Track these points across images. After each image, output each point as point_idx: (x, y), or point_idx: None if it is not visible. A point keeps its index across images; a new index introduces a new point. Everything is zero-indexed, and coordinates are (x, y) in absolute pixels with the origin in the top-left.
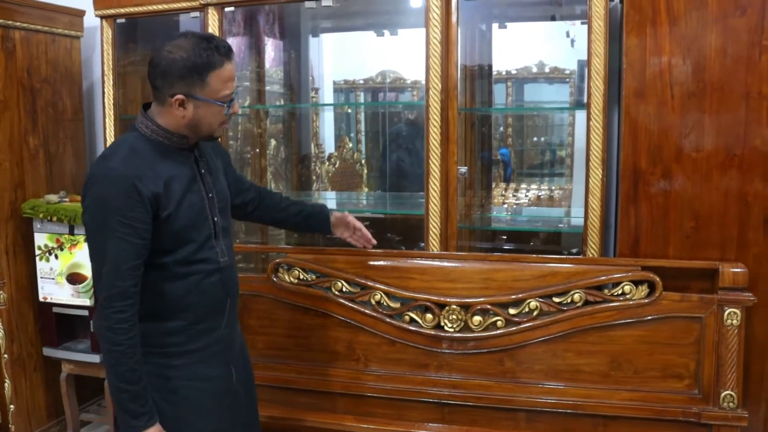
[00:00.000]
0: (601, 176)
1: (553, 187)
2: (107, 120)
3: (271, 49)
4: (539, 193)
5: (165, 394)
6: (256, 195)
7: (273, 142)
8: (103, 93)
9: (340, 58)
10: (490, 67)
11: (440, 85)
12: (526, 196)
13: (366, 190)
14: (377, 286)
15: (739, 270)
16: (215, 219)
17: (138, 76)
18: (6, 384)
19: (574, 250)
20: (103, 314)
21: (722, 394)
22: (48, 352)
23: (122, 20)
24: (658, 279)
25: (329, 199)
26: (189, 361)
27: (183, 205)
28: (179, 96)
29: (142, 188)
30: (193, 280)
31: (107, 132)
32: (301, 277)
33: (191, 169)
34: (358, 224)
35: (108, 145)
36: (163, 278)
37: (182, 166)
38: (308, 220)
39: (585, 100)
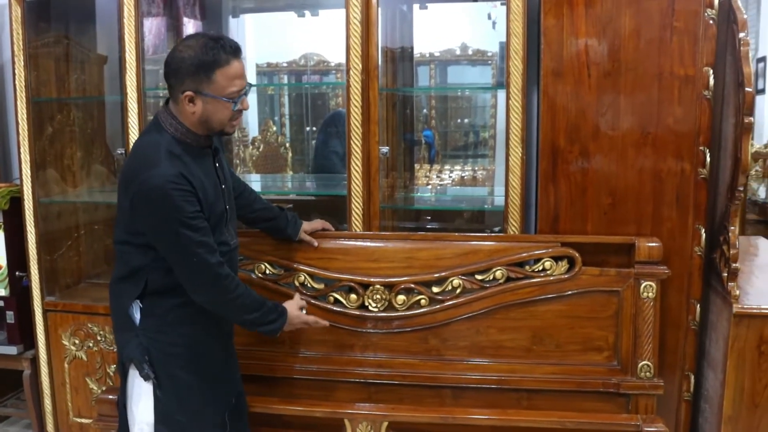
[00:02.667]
0: (520, 155)
1: (477, 168)
2: (19, 102)
3: (192, 30)
4: (463, 174)
5: (190, 362)
6: (240, 189)
7: None
8: (14, 74)
9: (263, 40)
10: (411, 48)
11: (361, 66)
12: (450, 177)
13: (291, 173)
14: (301, 267)
15: (654, 244)
16: (227, 207)
17: (51, 58)
18: None
19: (497, 229)
20: (219, 287)
21: (639, 365)
22: None
23: None
24: (577, 254)
25: (254, 182)
26: (191, 331)
27: (210, 199)
28: (188, 92)
29: (190, 186)
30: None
31: (19, 115)
32: None
33: (212, 164)
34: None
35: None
36: None
37: (205, 162)
38: (277, 230)
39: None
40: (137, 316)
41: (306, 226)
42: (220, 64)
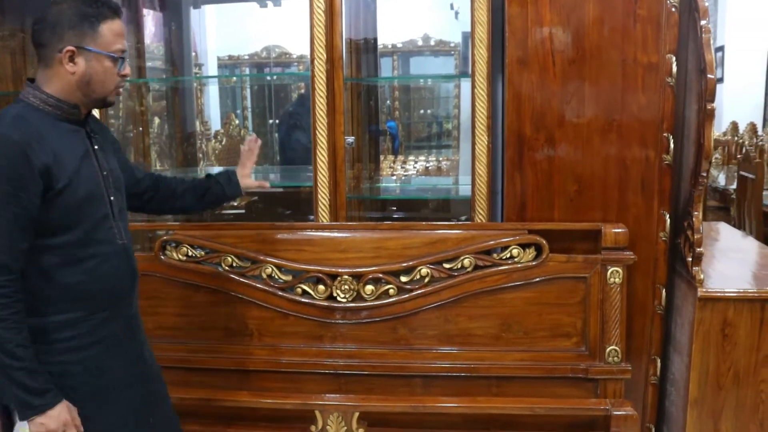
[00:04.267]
0: (486, 143)
1: (441, 159)
2: None
3: (152, 23)
4: (427, 165)
5: (63, 394)
6: (152, 183)
7: (156, 120)
8: None
9: (224, 31)
10: (375, 39)
11: (325, 55)
12: (414, 167)
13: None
14: (268, 259)
15: (619, 230)
16: (111, 198)
17: (6, 52)
18: None
19: (463, 218)
20: None
21: (607, 350)
22: None
23: None
24: (544, 242)
25: None
26: (90, 354)
27: (78, 177)
28: (70, 48)
29: (32, 156)
30: (91, 264)
31: None
32: (190, 253)
33: (83, 143)
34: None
35: None
36: (52, 264)
37: (74, 139)
38: (217, 199)
39: (470, 71)
40: None
41: (246, 180)
42: (105, 16)
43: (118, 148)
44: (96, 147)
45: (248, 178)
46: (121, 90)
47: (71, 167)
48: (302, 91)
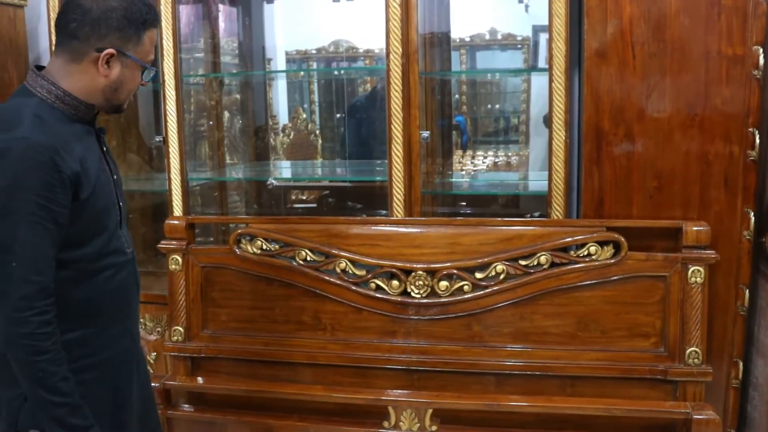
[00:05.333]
0: (564, 138)
1: (510, 154)
2: None
3: (224, 18)
4: (496, 160)
5: (101, 407)
6: None
7: (227, 114)
8: None
9: (293, 26)
10: (448, 33)
11: (401, 49)
12: (484, 162)
13: (321, 160)
14: (342, 254)
15: (701, 228)
16: (120, 204)
17: None
18: None
19: (537, 214)
20: (19, 318)
21: (687, 351)
22: None
23: None
24: (622, 239)
25: (284, 168)
26: (97, 375)
27: (98, 186)
28: (110, 50)
29: (61, 163)
30: (104, 277)
31: None
32: (264, 247)
33: (96, 146)
34: None
35: None
36: (65, 279)
37: (90, 142)
38: None
39: (540, 65)
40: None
41: None
42: (151, 23)
43: None
44: (105, 149)
45: None
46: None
47: (93, 174)
48: (368, 85)
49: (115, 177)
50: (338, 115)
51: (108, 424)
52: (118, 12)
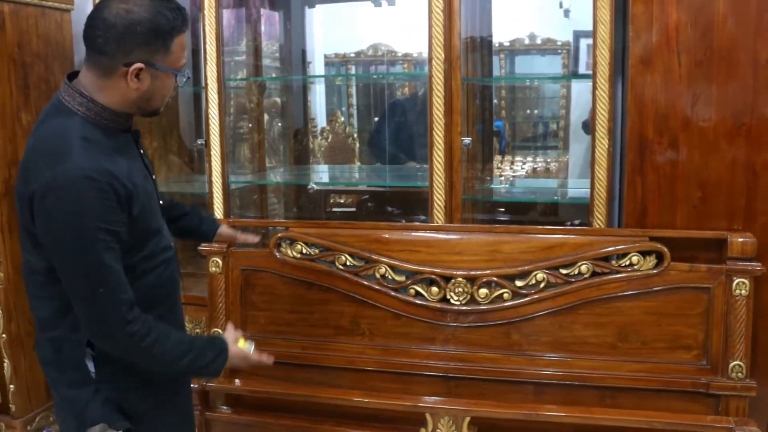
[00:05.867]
0: (607, 146)
1: (549, 160)
2: None
3: (265, 21)
4: (535, 166)
5: (163, 397)
6: None
7: (266, 116)
8: None
9: (333, 30)
10: (490, 38)
11: (443, 55)
12: (522, 168)
13: (358, 164)
14: (382, 259)
15: (747, 240)
16: (160, 201)
17: None
18: (5, 364)
19: (576, 222)
20: (124, 334)
21: (731, 365)
22: None
23: None
24: (665, 249)
25: (323, 173)
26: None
27: (143, 195)
28: (138, 65)
29: (117, 184)
30: (158, 272)
31: None
32: (305, 251)
33: (134, 150)
34: (243, 237)
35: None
36: (131, 280)
37: (130, 150)
38: (187, 223)
39: (580, 71)
40: (91, 367)
41: (228, 230)
42: (179, 30)
43: None
44: (141, 151)
45: (231, 230)
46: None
47: (140, 186)
48: (406, 89)
49: (153, 176)
50: (376, 119)
51: (170, 408)
52: (143, 25)
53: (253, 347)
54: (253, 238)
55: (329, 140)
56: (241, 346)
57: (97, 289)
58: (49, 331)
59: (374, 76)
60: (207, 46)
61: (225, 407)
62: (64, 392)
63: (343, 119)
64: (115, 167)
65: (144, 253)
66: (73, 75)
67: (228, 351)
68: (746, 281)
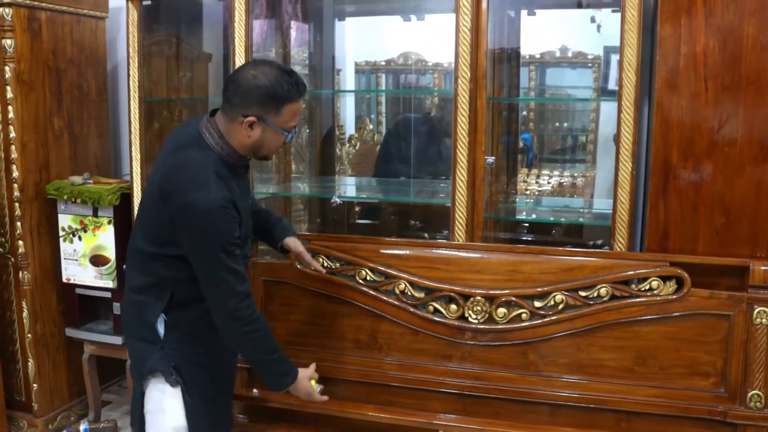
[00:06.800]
0: (630, 169)
1: (576, 174)
2: (132, 102)
3: (295, 30)
4: (561, 180)
5: (213, 370)
6: None
7: None
8: (128, 75)
9: (363, 40)
10: (517, 53)
11: (469, 74)
12: (549, 182)
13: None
14: (401, 275)
15: None
16: (249, 222)
17: (162, 58)
18: (29, 363)
19: (599, 242)
20: (235, 317)
21: (749, 394)
22: (71, 332)
23: (147, 1)
24: (686, 275)
25: (349, 186)
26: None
27: (245, 215)
28: (252, 118)
29: (235, 212)
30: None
31: (132, 114)
32: (325, 264)
33: (246, 183)
34: (308, 260)
35: (143, 130)
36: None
37: (243, 183)
38: (263, 228)
39: (610, 87)
40: (161, 329)
41: (294, 243)
42: (291, 99)
43: None
44: (245, 181)
45: (301, 247)
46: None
47: (245, 214)
48: (436, 99)
49: (250, 201)
50: (403, 128)
51: (217, 386)
52: (261, 90)
53: (320, 389)
54: (319, 267)
55: (357, 148)
56: (312, 383)
57: (220, 284)
58: (136, 295)
59: (402, 88)
60: (236, 58)
61: (242, 416)
62: (135, 344)
63: (371, 127)
64: (234, 198)
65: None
66: (213, 112)
67: (298, 378)
68: (767, 310)
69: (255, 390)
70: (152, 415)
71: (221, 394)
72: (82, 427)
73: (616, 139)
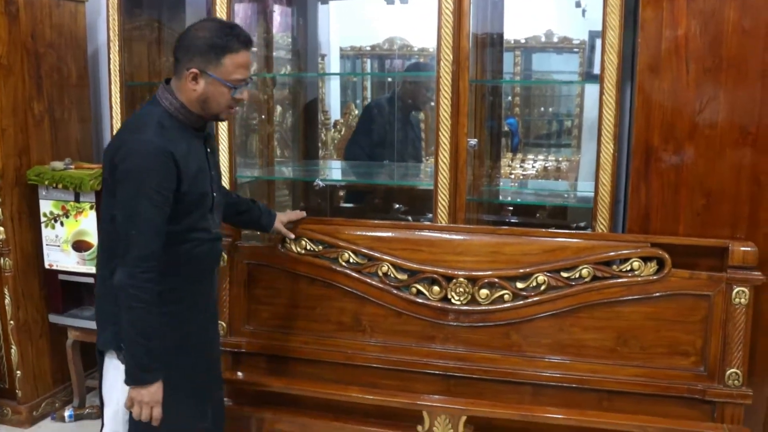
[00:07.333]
0: (612, 151)
1: (560, 158)
2: (113, 86)
3: (279, 14)
4: (546, 164)
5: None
6: None
7: (279, 108)
8: (109, 59)
9: (348, 25)
10: (501, 36)
11: (451, 57)
12: (533, 167)
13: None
14: (385, 257)
15: (749, 249)
16: (214, 194)
17: (143, 42)
18: (12, 350)
19: (582, 224)
20: (130, 272)
21: (728, 372)
22: (54, 319)
23: None
24: (667, 256)
25: (334, 169)
26: (175, 310)
27: (195, 181)
28: (194, 70)
29: (173, 161)
30: (188, 247)
31: (113, 98)
32: (309, 247)
33: (202, 147)
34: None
35: (125, 114)
36: (165, 244)
37: (196, 143)
38: (251, 222)
39: (595, 72)
40: (114, 304)
41: (282, 216)
42: (231, 50)
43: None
44: (209, 150)
45: (283, 224)
46: (236, 110)
47: (193, 171)
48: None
49: (213, 172)
50: (388, 113)
51: (168, 360)
52: (201, 40)
53: None
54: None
55: (342, 133)
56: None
57: (131, 231)
58: (100, 270)
59: (387, 72)
60: None
61: (226, 399)
62: (97, 321)
63: (357, 112)
64: (175, 149)
65: (181, 225)
66: (168, 80)
67: (157, 381)
68: (746, 290)
69: (240, 373)
70: (108, 392)
71: (177, 374)
72: (66, 413)
73: (598, 121)
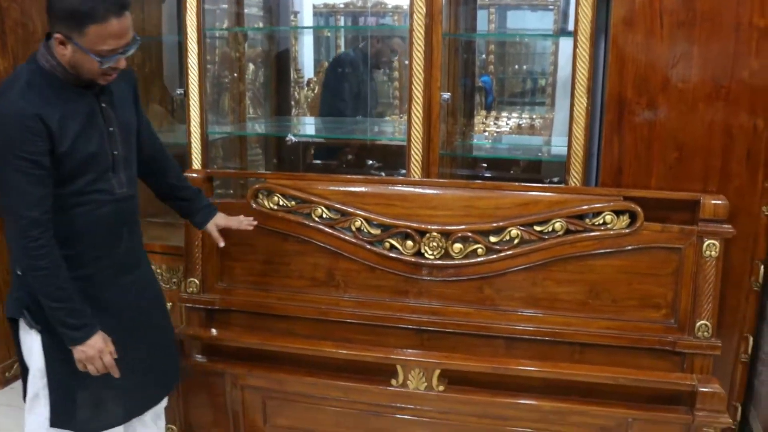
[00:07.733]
0: (585, 105)
1: (534, 116)
2: None
3: None
4: (520, 122)
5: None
6: (150, 155)
7: (251, 66)
8: None
9: None
10: None
11: (424, 9)
12: (507, 124)
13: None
14: (358, 212)
15: (719, 202)
16: (115, 152)
17: None
18: None
19: (556, 179)
20: (19, 243)
21: (697, 324)
22: None
23: None
24: (639, 209)
25: (308, 125)
26: (80, 286)
27: (78, 141)
28: (59, 36)
29: (40, 124)
30: (85, 210)
31: None
32: (281, 203)
33: (89, 104)
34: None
35: None
36: (56, 208)
37: (79, 101)
38: (186, 213)
39: (569, 28)
40: (18, 270)
41: (221, 219)
42: (95, 19)
43: (137, 100)
44: (103, 105)
45: (217, 227)
46: (113, 76)
47: (73, 132)
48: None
49: (111, 128)
50: (361, 70)
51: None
52: (64, 5)
53: None
54: (248, 226)
55: (316, 91)
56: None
57: (5, 202)
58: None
59: (363, 29)
60: None
61: (200, 356)
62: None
63: None
64: (44, 110)
65: (71, 188)
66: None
67: (94, 334)
68: (716, 243)
69: (213, 330)
70: (27, 356)
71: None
72: None
73: (572, 75)
